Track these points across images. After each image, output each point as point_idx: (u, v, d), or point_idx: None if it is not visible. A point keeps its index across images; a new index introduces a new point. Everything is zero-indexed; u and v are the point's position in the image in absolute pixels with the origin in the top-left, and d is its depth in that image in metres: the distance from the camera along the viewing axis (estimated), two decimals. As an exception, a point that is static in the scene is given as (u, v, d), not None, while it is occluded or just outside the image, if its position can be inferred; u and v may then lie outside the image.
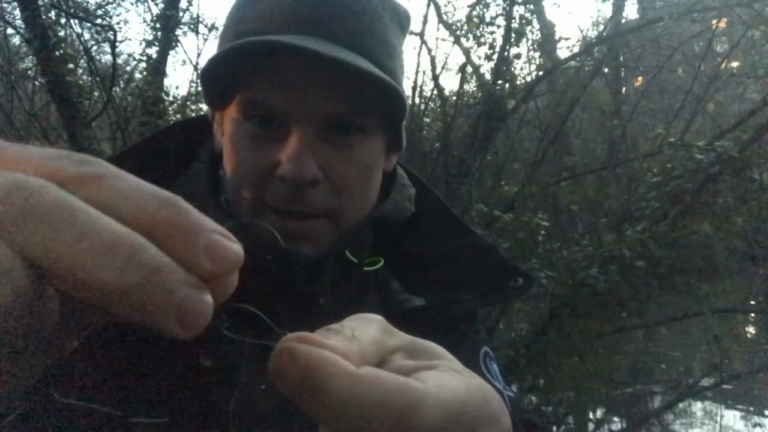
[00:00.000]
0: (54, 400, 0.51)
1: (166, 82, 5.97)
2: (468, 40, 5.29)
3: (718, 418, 5.02)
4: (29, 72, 6.30)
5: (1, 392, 0.51)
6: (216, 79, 0.55)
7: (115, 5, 6.88)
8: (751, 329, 7.15)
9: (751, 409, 5.14)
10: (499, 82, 5.03)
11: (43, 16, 4.26)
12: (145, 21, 11.82)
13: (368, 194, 0.60)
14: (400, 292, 0.63)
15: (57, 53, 4.12)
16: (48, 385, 0.51)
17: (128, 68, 6.88)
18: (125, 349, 0.51)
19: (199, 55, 13.36)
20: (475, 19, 5.14)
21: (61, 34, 5.18)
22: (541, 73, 5.95)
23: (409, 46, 7.84)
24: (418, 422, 0.23)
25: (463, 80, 5.66)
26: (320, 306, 0.58)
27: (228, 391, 0.52)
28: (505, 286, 0.61)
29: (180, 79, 28.27)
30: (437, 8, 5.63)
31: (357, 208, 0.59)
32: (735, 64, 7.70)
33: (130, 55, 8.40)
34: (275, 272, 0.55)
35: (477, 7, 5.21)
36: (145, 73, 5.87)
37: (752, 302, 7.51)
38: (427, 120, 6.44)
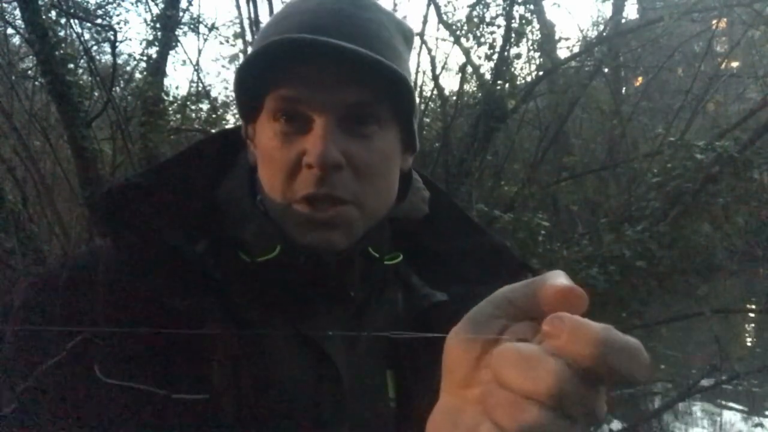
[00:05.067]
0: (96, 379, 0.53)
1: (166, 82, 5.98)
2: (468, 40, 5.30)
3: (718, 418, 5.02)
4: (29, 72, 6.30)
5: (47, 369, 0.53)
6: (246, 91, 0.60)
7: (115, 5, 6.90)
8: (751, 329, 7.16)
9: (751, 409, 5.14)
10: (499, 82, 5.04)
11: (43, 16, 4.26)
12: (145, 21, 11.87)
13: (388, 186, 0.64)
14: (421, 287, 0.67)
15: (57, 53, 4.12)
16: (90, 364, 0.54)
17: (128, 68, 6.89)
18: (166, 327, 0.53)
19: (199, 55, 13.39)
20: (475, 19, 5.14)
21: (61, 34, 5.20)
22: (541, 73, 5.95)
23: (409, 46, 7.82)
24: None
25: (463, 80, 5.67)
26: (350, 298, 0.62)
27: (264, 371, 0.56)
28: (516, 281, 0.63)
29: (180, 79, 28.27)
30: (437, 8, 5.63)
31: (380, 198, 0.63)
32: (735, 64, 7.71)
33: (130, 55, 8.40)
34: (309, 267, 0.60)
35: (477, 7, 5.22)
36: (145, 73, 5.87)
37: (752, 302, 7.51)
38: (427, 120, 6.43)
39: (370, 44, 0.58)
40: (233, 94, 0.64)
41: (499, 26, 5.11)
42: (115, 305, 0.57)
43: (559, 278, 0.36)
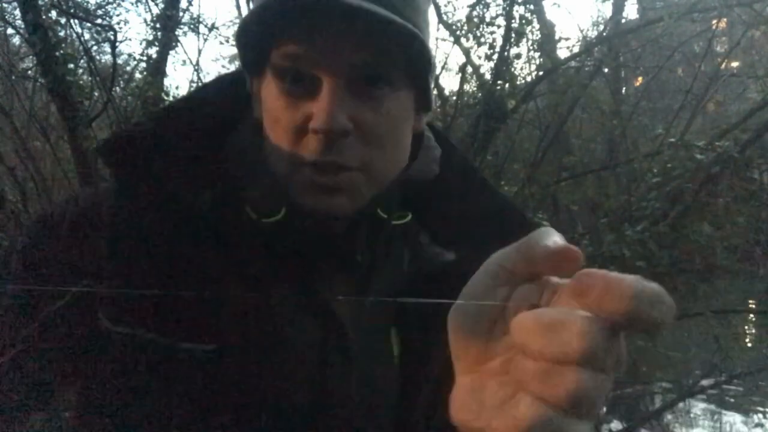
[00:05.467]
0: (102, 327, 0.53)
1: (166, 82, 5.98)
2: (468, 40, 5.29)
3: (718, 418, 5.02)
4: (29, 72, 6.29)
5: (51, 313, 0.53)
6: (249, 44, 0.57)
7: (115, 5, 6.89)
8: (751, 329, 7.15)
9: (751, 409, 5.14)
10: (499, 82, 5.04)
11: (43, 16, 4.26)
12: (145, 21, 11.85)
13: (399, 149, 0.62)
14: (429, 245, 0.66)
15: (57, 53, 4.12)
16: (96, 312, 0.53)
17: (128, 68, 6.88)
18: (175, 279, 0.54)
19: (199, 55, 13.39)
20: (475, 19, 5.14)
21: (61, 34, 5.19)
22: (541, 73, 5.94)
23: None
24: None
25: (463, 80, 5.66)
26: (357, 263, 0.61)
27: (271, 327, 0.56)
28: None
29: (180, 79, 28.26)
30: (437, 8, 5.62)
31: (389, 162, 0.61)
32: (735, 64, 7.71)
33: (130, 55, 8.37)
34: (315, 231, 0.59)
35: (477, 7, 5.21)
36: (145, 73, 5.87)
37: (752, 302, 7.51)
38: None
39: (389, 1, 0.55)
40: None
41: (499, 26, 5.10)
42: (118, 248, 0.56)
43: (551, 237, 0.36)
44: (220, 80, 0.68)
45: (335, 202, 0.58)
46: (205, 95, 0.67)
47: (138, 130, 0.59)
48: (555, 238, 0.36)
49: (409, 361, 0.61)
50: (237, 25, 0.60)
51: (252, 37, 0.57)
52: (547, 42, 6.46)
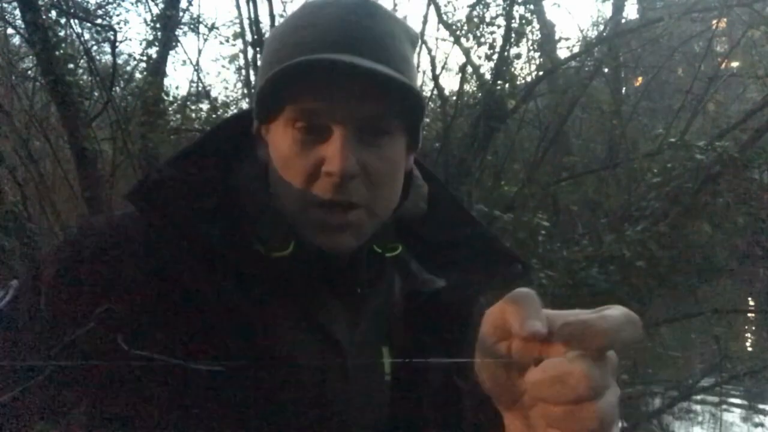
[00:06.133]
0: (117, 348, 0.57)
1: (166, 82, 5.98)
2: (468, 40, 5.30)
3: (718, 418, 5.02)
4: (29, 72, 6.30)
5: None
6: (265, 97, 0.65)
7: (115, 5, 6.90)
8: (751, 329, 7.15)
9: (752, 408, 5.14)
10: (499, 82, 5.04)
11: (44, 16, 4.26)
12: (145, 21, 11.85)
13: (396, 189, 0.70)
14: (420, 272, 0.74)
15: (57, 53, 4.12)
16: (114, 333, 0.58)
17: (128, 68, 6.89)
18: (187, 305, 0.61)
19: (199, 55, 13.40)
20: (475, 19, 5.14)
21: (61, 34, 5.19)
22: (541, 73, 5.95)
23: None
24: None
25: (463, 80, 5.67)
26: (357, 294, 0.69)
27: (275, 350, 0.62)
28: (507, 271, 0.73)
29: (180, 79, 28.24)
30: (437, 8, 5.63)
31: (388, 201, 0.69)
32: (735, 64, 7.71)
33: (130, 55, 8.37)
34: (320, 265, 0.66)
35: (477, 7, 5.22)
36: (145, 73, 5.88)
37: (752, 302, 7.52)
38: (427, 120, 6.44)
39: (386, 59, 0.64)
40: (233, 94, 0.68)
41: (499, 26, 5.11)
42: (138, 276, 0.62)
43: (525, 311, 0.44)
44: (227, 124, 0.76)
45: (342, 240, 0.65)
46: (213, 133, 0.75)
47: (161, 177, 0.67)
48: (529, 313, 0.44)
49: (399, 377, 0.68)
50: (257, 80, 0.68)
51: (269, 92, 0.64)
52: (547, 42, 6.47)
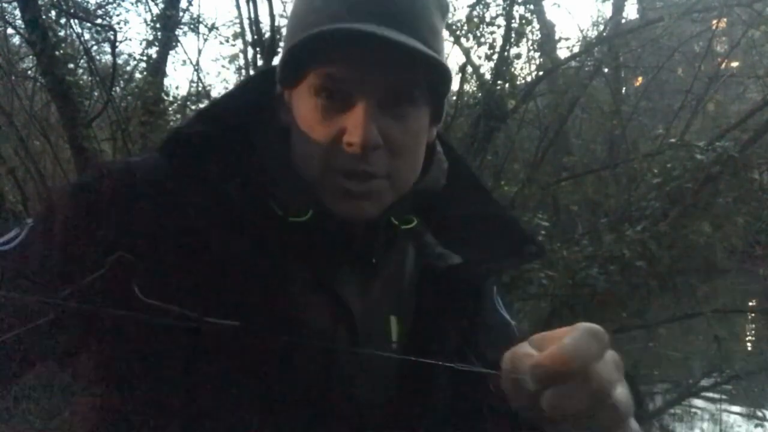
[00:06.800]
0: (134, 298, 0.56)
1: (166, 82, 5.98)
2: (468, 40, 5.29)
3: (718, 418, 5.02)
4: (29, 72, 6.30)
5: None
6: (290, 62, 0.65)
7: (115, 5, 6.88)
8: (751, 329, 7.15)
9: (752, 409, 5.14)
10: (499, 82, 5.04)
11: (43, 16, 4.26)
12: (145, 21, 11.83)
13: (417, 160, 0.70)
14: (434, 245, 0.75)
15: (57, 53, 4.12)
16: (129, 281, 0.57)
17: (128, 68, 6.87)
18: (204, 259, 0.61)
19: (199, 55, 13.38)
20: (475, 19, 5.13)
21: (61, 34, 5.18)
22: (541, 73, 5.95)
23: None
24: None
25: (463, 80, 5.65)
26: (373, 265, 0.70)
27: (289, 308, 0.63)
28: (523, 251, 0.75)
29: (180, 79, 28.28)
30: (437, 8, 5.61)
31: (409, 171, 0.69)
32: (735, 64, 7.71)
33: (130, 55, 8.34)
34: (338, 232, 0.67)
35: (477, 7, 5.20)
36: (145, 73, 5.87)
37: (752, 302, 7.51)
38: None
39: (414, 28, 0.63)
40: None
41: (499, 26, 5.09)
42: (155, 222, 0.61)
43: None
44: (251, 83, 0.76)
45: (362, 207, 0.65)
46: (240, 95, 0.74)
47: (190, 131, 0.67)
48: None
49: (405, 346, 0.70)
50: (284, 45, 0.68)
51: (294, 58, 0.64)
52: (547, 42, 6.47)
